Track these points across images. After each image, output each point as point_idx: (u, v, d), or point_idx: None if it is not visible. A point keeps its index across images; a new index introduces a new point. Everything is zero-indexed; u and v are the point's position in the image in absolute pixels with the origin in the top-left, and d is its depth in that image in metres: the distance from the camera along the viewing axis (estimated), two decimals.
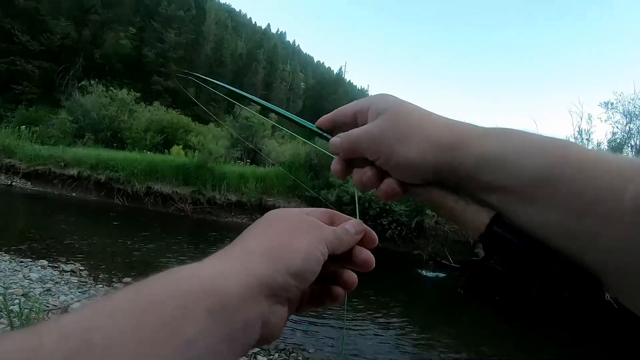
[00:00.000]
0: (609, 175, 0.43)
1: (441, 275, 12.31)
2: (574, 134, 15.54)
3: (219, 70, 62.33)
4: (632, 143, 13.77)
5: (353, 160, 0.63)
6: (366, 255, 0.63)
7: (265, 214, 0.62)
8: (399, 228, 14.49)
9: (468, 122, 0.56)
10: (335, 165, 0.66)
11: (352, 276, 0.64)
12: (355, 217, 0.66)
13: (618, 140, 13.90)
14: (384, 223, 14.52)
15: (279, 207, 16.18)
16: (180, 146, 21.00)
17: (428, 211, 14.18)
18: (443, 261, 13.54)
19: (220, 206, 16.64)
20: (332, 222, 0.63)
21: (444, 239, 14.08)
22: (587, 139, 15.07)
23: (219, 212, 16.65)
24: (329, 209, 0.66)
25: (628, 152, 13.80)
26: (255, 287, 0.48)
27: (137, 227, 13.61)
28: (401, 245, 14.71)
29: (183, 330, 0.40)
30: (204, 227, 15.16)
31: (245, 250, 0.53)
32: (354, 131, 0.61)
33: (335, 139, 0.64)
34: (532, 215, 0.47)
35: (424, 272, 12.57)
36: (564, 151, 0.47)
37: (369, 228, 0.64)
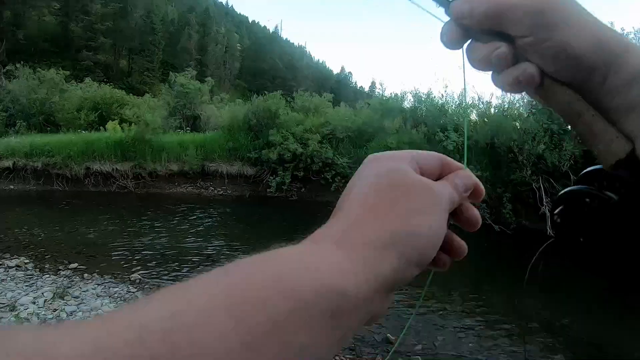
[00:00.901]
0: None
1: None
2: None
3: (150, 37, 60.65)
4: None
5: (470, 29, 0.51)
6: (473, 213, 0.54)
7: (367, 167, 0.52)
8: (343, 181, 14.60)
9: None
10: (448, 31, 0.52)
11: (462, 244, 0.54)
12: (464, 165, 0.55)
13: None
14: (328, 177, 14.64)
15: (221, 172, 16.17)
16: (116, 121, 20.45)
17: None
18: None
19: (163, 177, 16.55)
20: (441, 171, 0.53)
21: None
22: None
23: (162, 184, 16.57)
24: (438, 153, 0.55)
25: None
26: (382, 286, 0.43)
27: (80, 210, 13.41)
28: None
29: (297, 336, 0.36)
30: (148, 201, 15.00)
31: (364, 237, 0.44)
32: None
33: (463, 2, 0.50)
34: None
35: None
36: None
37: (476, 179, 0.54)
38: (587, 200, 0.47)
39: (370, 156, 0.53)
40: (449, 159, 0.54)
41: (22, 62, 26.77)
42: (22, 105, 23.35)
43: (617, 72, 0.45)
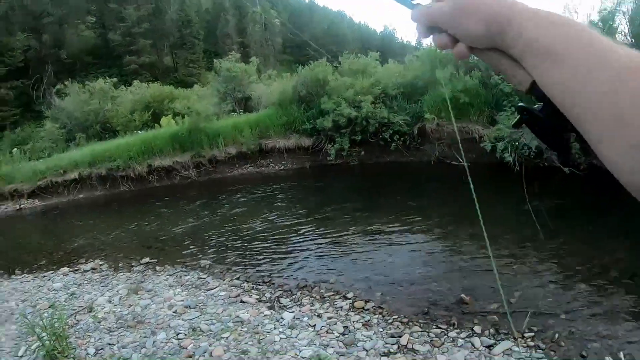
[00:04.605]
0: (616, 53, 0.53)
1: None
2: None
3: (188, 31, 61.01)
4: (624, 9, 13.11)
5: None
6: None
7: None
8: (402, 139, 14.31)
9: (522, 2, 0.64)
10: (417, 28, 0.74)
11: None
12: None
13: (608, 10, 13.25)
14: (386, 137, 14.37)
15: (279, 147, 16.18)
16: (169, 116, 20.75)
17: (427, 115, 13.85)
18: (453, 162, 13.20)
19: (223, 162, 16.82)
20: None
21: (449, 140, 13.75)
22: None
23: (223, 169, 16.86)
24: None
25: (620, 19, 13.22)
26: None
27: (147, 207, 13.65)
28: (407, 155, 14.56)
29: None
30: (211, 187, 15.34)
31: None
32: (431, 6, 0.70)
33: (415, 12, 0.73)
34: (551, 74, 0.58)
35: None
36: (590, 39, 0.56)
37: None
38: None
39: None
40: None
41: (70, 79, 27.40)
42: (78, 119, 24.03)
43: (510, 47, 0.62)
